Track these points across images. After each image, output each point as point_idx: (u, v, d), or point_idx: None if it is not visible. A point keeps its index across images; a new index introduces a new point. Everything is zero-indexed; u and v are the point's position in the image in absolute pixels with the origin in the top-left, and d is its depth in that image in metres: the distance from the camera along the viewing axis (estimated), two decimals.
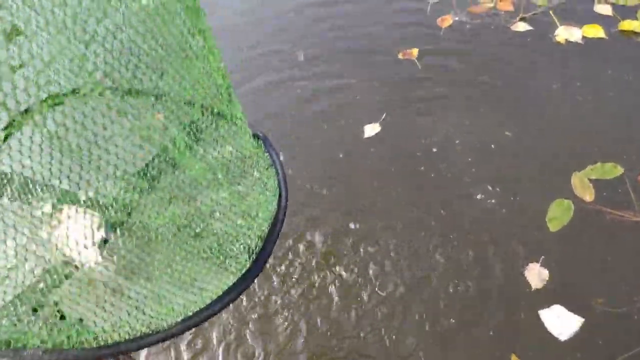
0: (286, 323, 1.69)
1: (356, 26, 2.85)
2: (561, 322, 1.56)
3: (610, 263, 1.69)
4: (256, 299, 1.76)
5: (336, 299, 1.73)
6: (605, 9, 2.58)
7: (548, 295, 1.64)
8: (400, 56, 2.62)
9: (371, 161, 2.16)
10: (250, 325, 1.69)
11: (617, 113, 2.15)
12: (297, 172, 2.15)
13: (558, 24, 2.56)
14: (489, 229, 1.83)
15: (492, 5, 2.76)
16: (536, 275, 1.68)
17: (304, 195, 2.05)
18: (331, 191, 2.06)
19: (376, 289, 1.73)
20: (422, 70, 2.52)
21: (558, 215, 1.80)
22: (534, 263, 1.71)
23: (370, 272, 1.78)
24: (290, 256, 1.86)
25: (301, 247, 1.88)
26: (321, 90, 2.53)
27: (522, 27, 2.60)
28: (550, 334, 1.56)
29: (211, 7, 3.15)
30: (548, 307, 1.61)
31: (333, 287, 1.76)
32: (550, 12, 2.63)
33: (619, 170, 1.91)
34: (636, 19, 2.49)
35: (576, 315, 1.56)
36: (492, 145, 2.12)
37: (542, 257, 1.72)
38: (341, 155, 2.19)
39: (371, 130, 2.27)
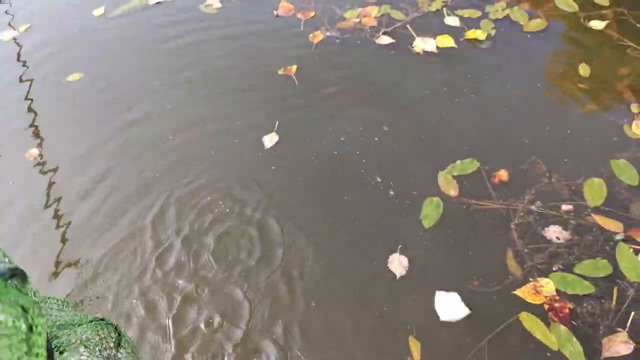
0: None
1: (236, 47, 2.91)
2: (450, 308, 1.75)
3: (479, 249, 1.93)
4: None
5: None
6: (453, 21, 2.90)
7: (429, 281, 1.84)
8: (280, 72, 2.73)
9: (277, 166, 2.28)
10: None
11: (475, 113, 2.44)
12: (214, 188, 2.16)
13: (415, 35, 2.83)
14: (373, 221, 2.00)
15: (357, 20, 2.97)
16: (397, 263, 1.88)
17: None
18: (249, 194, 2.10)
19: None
20: (301, 82, 2.65)
21: (430, 212, 2.02)
22: (394, 254, 1.92)
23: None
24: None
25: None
26: (205, 114, 2.56)
27: (385, 40, 2.84)
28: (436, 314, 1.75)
29: None
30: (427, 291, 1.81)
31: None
32: (408, 26, 2.90)
33: (476, 165, 2.18)
34: (479, 28, 2.84)
35: (465, 307, 1.75)
36: (375, 138, 2.34)
37: (399, 245, 1.93)
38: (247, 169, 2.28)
39: (269, 141, 2.36)
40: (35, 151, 2.44)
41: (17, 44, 3.14)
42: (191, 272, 1.94)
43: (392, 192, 2.13)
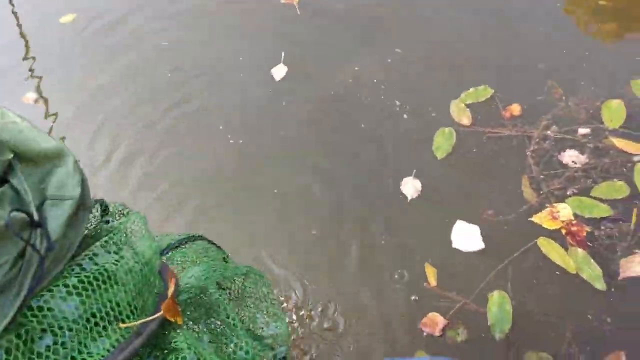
0: None
1: None
2: (466, 239, 1.73)
3: (493, 177, 1.90)
4: None
5: None
6: None
7: (442, 207, 1.83)
8: (283, 1, 2.61)
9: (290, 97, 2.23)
10: None
11: (489, 35, 2.33)
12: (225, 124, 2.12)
13: None
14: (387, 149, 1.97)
15: None
16: (410, 186, 1.87)
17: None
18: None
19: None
20: (304, 11, 2.55)
21: (442, 143, 1.97)
22: (407, 177, 1.90)
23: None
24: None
25: None
26: (206, 48, 2.47)
27: None
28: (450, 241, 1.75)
29: None
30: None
31: None
32: None
33: (489, 91, 2.10)
34: None
35: (482, 242, 1.72)
36: (389, 60, 2.29)
37: (414, 170, 1.90)
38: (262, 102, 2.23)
39: (278, 72, 2.30)
40: (32, 95, 2.37)
41: None
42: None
43: (405, 116, 2.08)
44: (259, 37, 2.48)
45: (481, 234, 1.73)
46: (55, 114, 2.29)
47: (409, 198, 1.86)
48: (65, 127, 2.24)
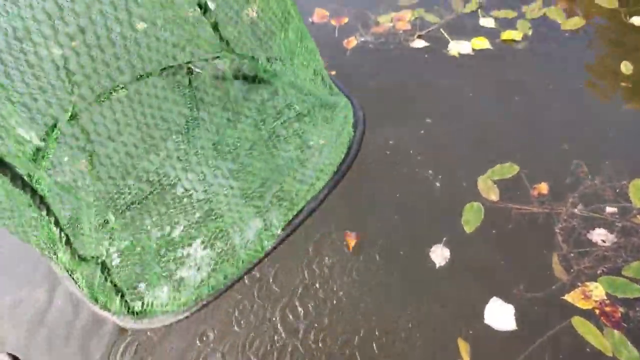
0: None
1: None
2: (500, 317, 1.76)
3: (523, 254, 1.93)
4: None
5: None
6: (489, 22, 2.89)
7: (483, 290, 1.86)
8: None
9: None
10: None
11: (515, 115, 2.44)
12: None
13: (449, 39, 2.84)
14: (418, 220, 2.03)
15: (391, 25, 2.99)
16: (439, 254, 1.94)
17: None
18: None
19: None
20: None
21: (471, 218, 2.03)
22: (437, 244, 1.97)
23: None
24: None
25: None
26: None
27: (419, 43, 2.85)
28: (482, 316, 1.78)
29: None
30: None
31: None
32: (441, 29, 2.90)
33: (515, 168, 2.18)
34: (515, 29, 2.82)
35: (514, 322, 1.74)
36: (421, 131, 2.42)
37: (444, 238, 1.99)
38: None
39: None
40: None
41: None
42: None
43: (438, 184, 2.19)
44: None
45: (514, 313, 1.75)
46: None
47: (437, 265, 1.91)
48: None
